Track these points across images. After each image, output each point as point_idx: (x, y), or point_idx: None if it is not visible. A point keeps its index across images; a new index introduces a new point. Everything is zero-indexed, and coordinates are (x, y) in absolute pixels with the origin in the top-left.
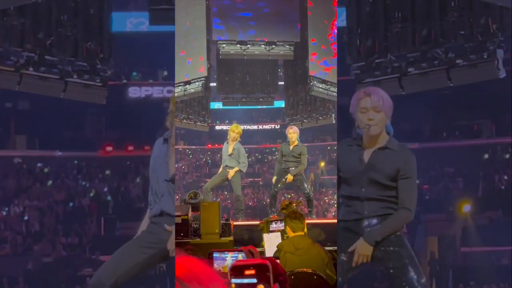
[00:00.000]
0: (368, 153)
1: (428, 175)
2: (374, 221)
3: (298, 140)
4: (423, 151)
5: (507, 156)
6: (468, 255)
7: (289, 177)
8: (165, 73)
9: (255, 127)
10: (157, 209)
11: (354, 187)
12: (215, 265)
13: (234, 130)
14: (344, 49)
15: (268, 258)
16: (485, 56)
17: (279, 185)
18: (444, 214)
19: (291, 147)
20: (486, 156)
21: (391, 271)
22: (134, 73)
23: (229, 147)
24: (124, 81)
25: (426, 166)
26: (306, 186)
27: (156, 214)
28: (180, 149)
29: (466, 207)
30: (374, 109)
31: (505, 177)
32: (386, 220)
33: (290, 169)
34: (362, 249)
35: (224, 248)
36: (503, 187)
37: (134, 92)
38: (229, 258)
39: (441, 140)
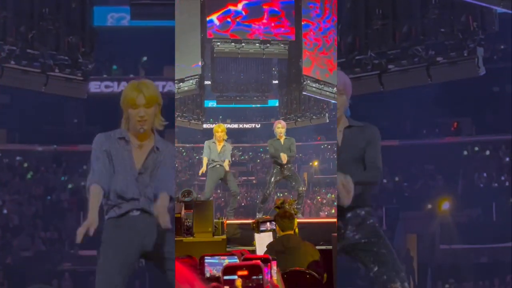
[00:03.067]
0: (340, 136)
1: (408, 173)
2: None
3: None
4: (403, 148)
5: (487, 153)
6: (447, 252)
7: (283, 157)
8: (147, 67)
9: (248, 125)
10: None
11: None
12: (213, 270)
13: (218, 130)
14: None
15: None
16: (465, 54)
17: (272, 180)
18: (423, 211)
19: (282, 141)
20: (466, 153)
21: (372, 265)
22: (115, 67)
23: (218, 147)
24: (105, 75)
25: (405, 164)
26: (300, 184)
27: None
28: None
29: (446, 205)
30: (338, 92)
31: (484, 175)
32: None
33: (285, 165)
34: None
35: (216, 246)
36: (482, 185)
37: (112, 86)
38: (227, 262)
39: (421, 137)
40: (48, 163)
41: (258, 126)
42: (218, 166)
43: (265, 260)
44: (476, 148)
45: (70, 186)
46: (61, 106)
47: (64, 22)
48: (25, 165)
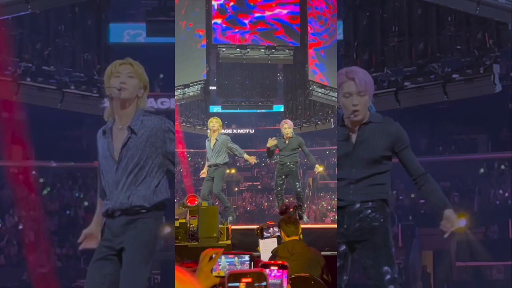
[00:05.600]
0: (355, 132)
1: None
2: (357, 205)
3: (292, 133)
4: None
5: (503, 170)
6: (463, 269)
7: (319, 170)
8: (161, 84)
9: (253, 131)
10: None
11: (345, 169)
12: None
13: (213, 121)
14: (341, 62)
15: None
16: (481, 71)
17: (279, 181)
18: (439, 228)
19: (286, 141)
20: (482, 170)
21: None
22: None
23: (211, 143)
24: None
25: None
26: (298, 183)
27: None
28: (179, 152)
29: (462, 222)
30: (358, 93)
31: (500, 192)
32: (433, 187)
33: (287, 163)
34: (453, 215)
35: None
36: (498, 202)
37: None
38: (223, 260)
39: (437, 154)
40: (63, 179)
41: (263, 131)
42: (211, 166)
43: (282, 266)
44: (493, 165)
45: (86, 203)
46: (76, 122)
47: (80, 39)
48: (41, 181)
